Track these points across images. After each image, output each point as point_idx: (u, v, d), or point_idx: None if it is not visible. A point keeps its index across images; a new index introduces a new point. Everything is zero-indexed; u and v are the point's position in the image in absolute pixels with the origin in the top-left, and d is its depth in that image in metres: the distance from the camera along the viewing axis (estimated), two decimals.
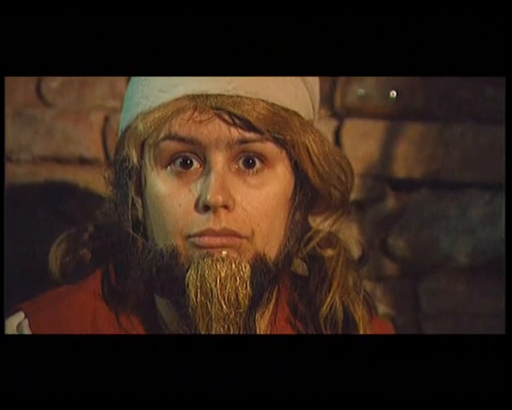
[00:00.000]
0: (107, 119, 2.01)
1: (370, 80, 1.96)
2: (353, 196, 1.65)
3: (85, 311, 1.43)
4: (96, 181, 1.87)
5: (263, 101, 1.34)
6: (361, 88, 1.95)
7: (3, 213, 1.56)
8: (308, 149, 1.37)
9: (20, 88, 2.01)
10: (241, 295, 1.34)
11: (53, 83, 2.02)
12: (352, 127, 1.93)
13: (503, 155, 1.77)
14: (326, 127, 1.76)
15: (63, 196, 1.99)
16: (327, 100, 1.91)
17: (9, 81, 1.87)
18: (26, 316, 1.42)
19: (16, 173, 2.00)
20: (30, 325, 1.41)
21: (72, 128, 1.98)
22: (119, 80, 2.02)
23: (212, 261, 1.33)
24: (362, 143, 1.91)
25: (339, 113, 1.95)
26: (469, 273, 1.90)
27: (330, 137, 1.89)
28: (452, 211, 1.90)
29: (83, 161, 2.00)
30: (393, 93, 1.94)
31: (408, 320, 1.92)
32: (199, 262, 1.33)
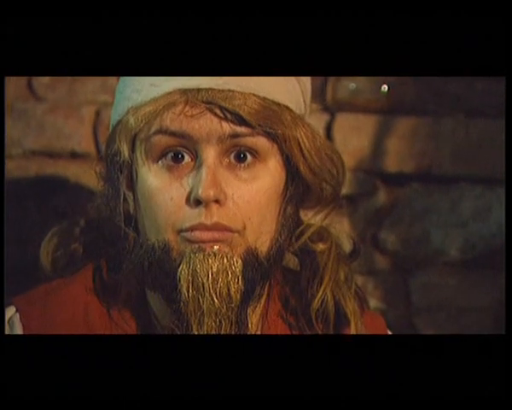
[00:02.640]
0: (98, 113, 1.98)
1: None
2: (344, 190, 1.64)
3: (77, 305, 1.41)
4: (88, 175, 1.81)
5: (254, 95, 1.32)
6: (352, 83, 1.92)
7: (3, 212, 1.54)
8: (299, 144, 1.35)
9: (11, 82, 1.97)
10: (232, 290, 1.31)
11: (44, 77, 2.00)
12: (343, 122, 1.90)
13: (495, 149, 1.83)
14: (317, 121, 1.81)
15: (54, 191, 1.97)
16: (318, 94, 1.90)
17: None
18: (17, 310, 1.40)
19: (9, 168, 1.97)
20: (21, 319, 1.39)
21: (64, 122, 1.96)
22: (111, 77, 1.99)
23: (203, 256, 1.30)
24: (353, 138, 1.89)
25: (330, 107, 1.92)
26: (461, 267, 1.88)
27: (322, 132, 1.89)
28: (443, 205, 1.88)
29: (74, 156, 1.97)
30: (385, 87, 1.91)
31: (399, 314, 1.90)
32: (190, 257, 1.30)
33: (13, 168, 1.98)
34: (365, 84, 1.92)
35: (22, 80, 2.01)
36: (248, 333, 1.42)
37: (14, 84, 1.98)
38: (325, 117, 1.91)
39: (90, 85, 2.00)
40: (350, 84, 1.92)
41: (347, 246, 1.49)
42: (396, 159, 1.89)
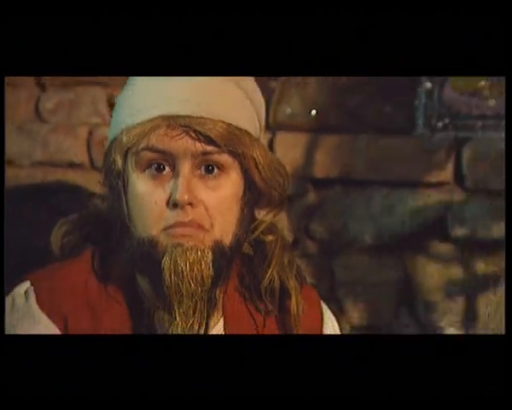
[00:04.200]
0: (90, 132, 2.11)
1: (295, 101, 2.01)
2: None
3: (78, 280, 1.49)
4: (82, 181, 2.05)
5: (222, 121, 1.42)
6: (288, 108, 2.02)
7: (3, 212, 1.60)
8: (255, 160, 1.45)
9: (21, 107, 2.12)
10: (205, 276, 1.41)
11: (48, 103, 2.11)
12: (282, 139, 2.02)
13: (399, 160, 1.90)
14: (262, 138, 1.83)
15: (56, 193, 2.06)
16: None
17: (13, 101, 2.02)
18: (31, 284, 1.48)
19: (18, 176, 2.09)
20: (34, 291, 1.47)
21: (63, 139, 2.08)
22: (101, 102, 2.11)
23: (182, 250, 1.40)
24: (289, 151, 1.98)
25: (272, 127, 2.03)
26: (372, 251, 1.97)
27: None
28: (359, 203, 1.97)
29: (71, 165, 2.11)
30: (314, 112, 2.01)
31: (325, 288, 1.97)
32: (172, 251, 1.40)
33: (23, 176, 2.10)
34: (298, 109, 2.02)
35: (31, 105, 2.12)
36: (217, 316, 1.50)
37: (24, 109, 2.11)
38: (268, 135, 2.00)
39: (84, 110, 2.11)
40: (287, 110, 2.01)
41: (291, 238, 1.63)
42: (322, 167, 1.98)
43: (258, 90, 1.52)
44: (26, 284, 1.48)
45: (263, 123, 1.53)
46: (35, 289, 1.47)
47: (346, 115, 2.04)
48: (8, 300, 1.49)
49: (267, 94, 1.98)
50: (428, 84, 1.94)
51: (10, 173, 2.07)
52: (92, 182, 1.94)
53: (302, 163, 1.99)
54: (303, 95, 2.03)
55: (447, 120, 1.93)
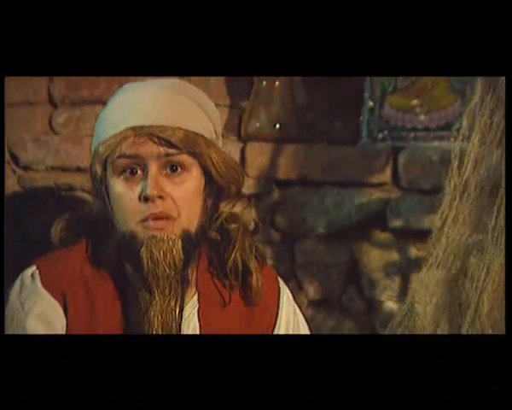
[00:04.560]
0: None
1: (262, 117, 2.09)
2: (252, 191, 1.98)
3: (76, 265, 1.52)
4: (88, 183, 1.88)
5: (180, 128, 1.46)
6: (257, 122, 2.09)
7: (3, 212, 1.64)
8: (211, 159, 1.49)
9: (37, 122, 2.20)
10: (177, 260, 1.46)
11: (59, 119, 2.18)
12: (251, 147, 2.09)
13: (348, 163, 1.96)
14: (236, 147, 2.08)
15: (66, 193, 2.14)
16: (236, 130, 2.14)
17: (29, 116, 2.13)
18: (37, 267, 1.52)
19: (34, 179, 2.16)
20: (39, 273, 1.50)
21: (72, 148, 2.14)
22: None
23: (156, 241, 1.45)
24: (258, 158, 2.07)
25: (243, 138, 2.12)
26: (325, 239, 2.04)
27: (238, 154, 2.07)
28: (314, 200, 2.04)
29: (79, 170, 2.15)
30: (278, 125, 2.09)
31: (287, 270, 2.05)
32: (148, 242, 1.45)
33: (38, 178, 2.16)
34: (265, 123, 2.09)
35: (45, 120, 2.19)
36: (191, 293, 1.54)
37: (40, 123, 2.18)
38: (240, 144, 2.09)
39: (89, 124, 2.12)
40: (255, 124, 2.09)
41: (252, 226, 1.62)
42: (284, 171, 2.05)
43: (211, 103, 1.55)
44: (33, 268, 1.51)
45: (219, 129, 1.56)
46: (40, 272, 1.50)
47: (304, 129, 2.12)
48: (17, 281, 1.51)
49: (239, 111, 2.13)
50: (371, 103, 2.04)
51: (27, 177, 2.17)
52: None
53: (268, 167, 2.06)
54: (269, 112, 2.10)
55: (386, 132, 2.03)
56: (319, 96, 2.12)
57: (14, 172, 2.14)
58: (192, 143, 1.47)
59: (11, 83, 2.08)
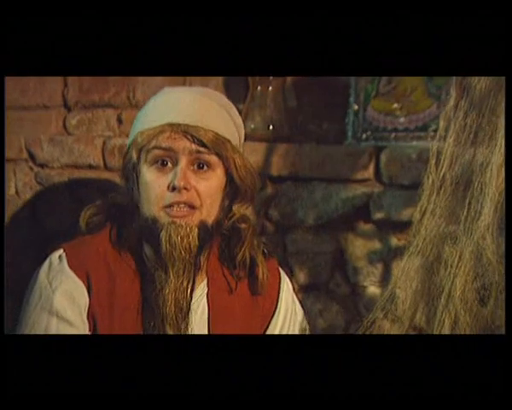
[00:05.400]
0: (104, 142, 2.16)
1: (257, 119, 2.07)
2: None
3: (99, 249, 1.55)
4: (98, 178, 2.10)
5: (211, 131, 1.49)
6: (252, 124, 2.08)
7: (4, 212, 1.67)
8: (234, 162, 1.52)
9: (52, 124, 2.20)
10: (192, 246, 1.48)
11: (72, 121, 2.20)
12: (247, 146, 1.86)
13: (334, 161, 1.90)
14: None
15: (79, 187, 2.13)
16: None
17: (46, 119, 2.12)
18: (64, 251, 1.54)
19: (50, 175, 2.16)
20: (66, 256, 1.53)
21: (84, 148, 2.13)
22: (112, 120, 2.21)
23: (175, 226, 1.47)
24: (253, 156, 2.00)
25: None
26: (314, 230, 2.02)
27: None
28: (304, 194, 2.01)
29: (90, 167, 2.16)
30: (271, 127, 2.07)
31: (280, 256, 1.97)
32: (168, 227, 1.47)
33: (54, 175, 2.16)
34: (260, 125, 2.07)
35: (60, 122, 2.19)
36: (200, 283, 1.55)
37: (55, 125, 2.19)
38: None
39: (100, 126, 2.19)
40: (251, 125, 2.06)
41: (258, 227, 1.68)
42: (277, 167, 2.03)
43: (239, 116, 1.59)
44: (60, 251, 1.54)
45: (242, 139, 1.59)
46: (66, 255, 1.53)
47: (295, 129, 2.10)
48: (46, 262, 1.53)
49: None
50: (355, 106, 2.01)
51: (43, 173, 2.16)
52: (105, 179, 2.06)
53: (262, 164, 2.03)
54: (263, 114, 2.09)
55: (369, 133, 2.01)
56: (308, 100, 2.11)
57: (31, 169, 2.15)
58: (220, 146, 1.50)
59: (29, 87, 2.16)
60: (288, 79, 2.07)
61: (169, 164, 1.48)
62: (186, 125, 1.48)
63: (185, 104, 1.50)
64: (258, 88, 2.07)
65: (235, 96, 2.12)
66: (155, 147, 1.48)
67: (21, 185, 2.13)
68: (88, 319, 1.50)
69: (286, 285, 1.69)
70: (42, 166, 2.14)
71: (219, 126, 1.50)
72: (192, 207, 1.47)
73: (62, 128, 2.19)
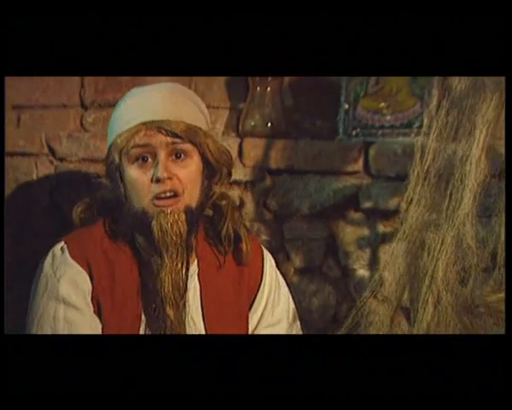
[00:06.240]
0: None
1: (257, 117, 2.04)
2: (248, 178, 1.97)
3: (96, 240, 1.54)
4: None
5: (182, 122, 1.48)
6: (252, 121, 2.06)
7: (3, 211, 1.63)
8: (208, 146, 1.51)
9: (70, 121, 2.17)
10: (182, 230, 1.47)
11: (89, 118, 2.16)
12: (248, 142, 2.05)
13: (327, 155, 1.88)
14: (234, 142, 2.03)
15: (94, 179, 2.10)
16: (234, 128, 2.12)
17: (64, 117, 2.10)
18: (65, 242, 1.53)
19: (68, 168, 2.13)
20: (68, 247, 1.52)
21: (99, 144, 2.08)
22: None
23: (164, 215, 1.46)
24: (253, 150, 2.03)
25: (241, 134, 2.08)
26: (308, 218, 2.01)
27: (236, 148, 2.02)
28: (300, 186, 2.01)
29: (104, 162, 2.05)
30: (269, 124, 2.06)
31: (277, 243, 2.03)
32: (157, 216, 1.47)
33: (72, 168, 2.12)
34: (259, 123, 2.05)
35: (77, 120, 2.15)
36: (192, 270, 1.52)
37: (72, 123, 2.15)
38: (238, 140, 2.05)
39: None
40: (251, 123, 2.05)
41: (238, 201, 1.62)
42: (275, 161, 2.02)
43: (202, 102, 1.56)
44: (61, 243, 1.53)
45: (209, 121, 1.57)
46: (68, 246, 1.52)
47: (291, 126, 2.09)
48: (49, 254, 1.52)
49: (237, 112, 2.10)
50: (346, 106, 2.01)
51: (62, 166, 2.14)
52: None
53: (261, 158, 2.02)
54: (262, 113, 2.07)
55: (358, 130, 2.00)
56: (303, 100, 2.10)
57: (51, 162, 2.13)
58: (193, 134, 1.48)
59: (49, 88, 2.13)
60: (285, 80, 2.06)
61: (149, 159, 1.47)
62: (158, 121, 1.46)
63: (154, 102, 1.49)
64: (258, 88, 2.06)
65: (236, 96, 2.13)
66: (134, 146, 1.46)
67: (43, 177, 2.12)
68: (92, 302, 1.49)
69: (269, 261, 1.68)
70: (61, 159, 2.13)
71: (188, 116, 1.49)
72: (176, 194, 1.46)
73: (79, 125, 2.18)
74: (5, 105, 1.55)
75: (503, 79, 1.13)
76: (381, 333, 1.26)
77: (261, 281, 1.64)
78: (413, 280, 1.28)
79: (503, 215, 1.14)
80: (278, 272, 1.70)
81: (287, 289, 1.70)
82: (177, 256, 1.47)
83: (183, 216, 1.47)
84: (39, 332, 1.45)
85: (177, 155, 1.49)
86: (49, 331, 1.44)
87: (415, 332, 1.20)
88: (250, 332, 1.60)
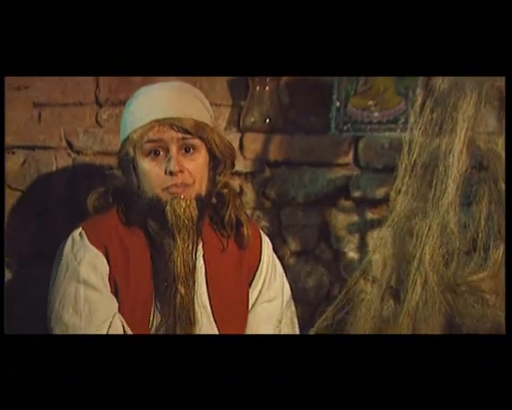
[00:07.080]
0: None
1: (256, 114, 2.00)
2: (249, 170, 1.96)
3: (111, 226, 1.54)
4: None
5: (191, 118, 1.48)
6: (252, 118, 2.03)
7: (4, 210, 1.61)
8: (214, 140, 1.51)
9: (86, 118, 2.11)
10: (193, 215, 1.48)
11: (104, 115, 2.10)
12: (248, 137, 2.03)
13: (320, 148, 1.87)
14: (236, 137, 2.01)
15: (108, 170, 2.08)
16: (236, 123, 2.06)
17: (81, 114, 2.06)
18: (83, 228, 1.54)
19: (84, 160, 2.10)
20: (85, 233, 1.52)
21: (113, 138, 2.06)
22: None
23: (177, 200, 1.46)
24: (253, 144, 2.02)
25: (242, 129, 2.05)
26: (304, 206, 2.00)
27: (238, 142, 2.00)
28: (296, 177, 2.00)
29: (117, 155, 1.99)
30: (268, 120, 2.03)
31: (275, 230, 2.02)
32: (171, 201, 1.46)
33: (87, 160, 2.10)
34: (258, 119, 2.01)
35: (93, 117, 2.08)
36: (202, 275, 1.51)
37: (88, 119, 2.09)
38: (239, 134, 2.03)
39: None
40: (251, 119, 2.02)
41: (238, 188, 1.71)
42: (273, 154, 2.01)
43: (206, 99, 1.55)
44: (79, 229, 1.53)
45: (213, 117, 1.57)
46: (86, 232, 1.52)
47: (287, 123, 2.05)
48: (68, 239, 1.51)
49: (239, 109, 2.07)
50: (337, 103, 1.99)
51: (79, 159, 2.10)
52: None
53: (261, 152, 2.01)
54: (261, 110, 2.04)
55: (349, 125, 1.98)
56: (299, 98, 2.08)
57: (69, 155, 2.11)
58: (201, 130, 1.48)
59: (67, 88, 2.09)
60: (282, 80, 2.05)
61: (161, 153, 1.47)
62: (170, 118, 1.46)
63: (164, 100, 1.48)
64: (257, 88, 2.04)
65: (237, 94, 2.10)
66: (148, 141, 1.46)
67: (61, 168, 2.11)
68: (109, 283, 1.49)
69: (266, 243, 1.68)
70: (78, 153, 2.11)
71: (196, 113, 1.49)
72: (187, 185, 1.46)
73: (95, 121, 2.14)
74: (5, 105, 1.43)
75: (484, 78, 1.08)
76: (371, 311, 1.24)
77: (260, 261, 1.64)
78: (401, 263, 1.28)
79: (488, 205, 1.15)
80: (274, 254, 1.70)
81: (282, 269, 1.71)
82: (188, 238, 1.47)
83: (194, 203, 1.47)
84: (62, 311, 1.45)
85: (187, 149, 1.49)
86: (70, 310, 1.45)
87: (404, 311, 1.19)
88: (250, 307, 1.61)
